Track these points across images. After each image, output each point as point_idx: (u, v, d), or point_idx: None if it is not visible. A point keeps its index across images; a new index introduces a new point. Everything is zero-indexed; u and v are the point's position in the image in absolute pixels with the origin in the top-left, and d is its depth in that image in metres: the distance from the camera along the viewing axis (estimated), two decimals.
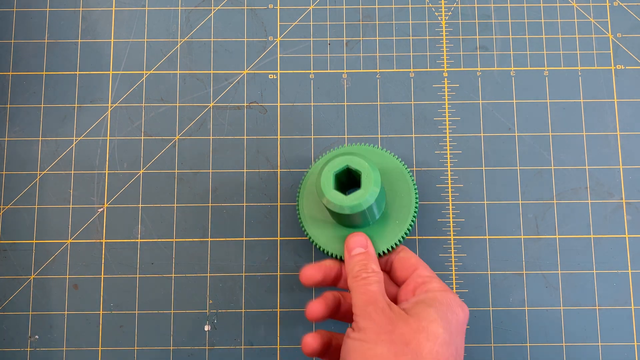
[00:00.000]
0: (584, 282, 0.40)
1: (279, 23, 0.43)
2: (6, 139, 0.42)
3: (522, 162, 0.41)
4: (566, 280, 0.40)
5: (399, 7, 0.43)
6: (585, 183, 0.41)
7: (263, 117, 0.42)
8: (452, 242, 0.40)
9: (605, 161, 0.41)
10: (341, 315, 0.35)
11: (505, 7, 0.43)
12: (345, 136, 0.41)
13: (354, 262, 0.33)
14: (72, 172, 0.41)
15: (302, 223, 0.37)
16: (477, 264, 0.40)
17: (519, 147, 0.41)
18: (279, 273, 0.40)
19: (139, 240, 0.40)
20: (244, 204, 0.41)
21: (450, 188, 0.41)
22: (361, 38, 0.43)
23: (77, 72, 0.42)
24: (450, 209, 0.41)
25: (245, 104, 0.42)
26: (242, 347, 0.39)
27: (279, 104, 0.42)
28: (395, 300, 0.34)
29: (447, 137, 0.42)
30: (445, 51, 0.43)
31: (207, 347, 0.39)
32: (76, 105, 0.42)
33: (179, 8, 0.43)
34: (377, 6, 0.43)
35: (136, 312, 0.40)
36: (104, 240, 0.41)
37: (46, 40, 0.43)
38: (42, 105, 0.42)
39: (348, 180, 0.35)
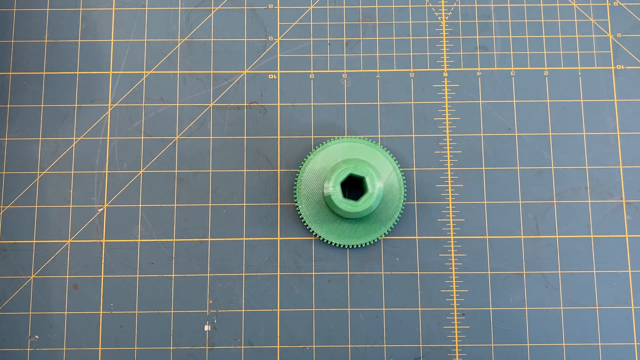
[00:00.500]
0: (584, 282, 0.40)
1: (279, 23, 0.43)
2: (6, 139, 0.42)
3: (522, 162, 0.41)
4: (566, 280, 0.40)
5: (399, 7, 0.43)
6: (585, 183, 0.41)
7: (263, 117, 0.42)
8: (452, 242, 0.40)
9: (605, 161, 0.41)
10: None
11: (505, 7, 0.43)
12: (345, 136, 0.41)
13: None
14: (72, 172, 0.41)
15: (305, 220, 0.40)
16: (477, 264, 0.40)
17: (519, 147, 0.41)
18: (279, 273, 0.40)
19: (139, 240, 0.40)
20: (244, 204, 0.41)
21: (450, 188, 0.41)
22: (361, 38, 0.43)
23: (77, 72, 0.42)
24: (450, 209, 0.41)
25: (245, 104, 0.42)
26: (242, 347, 0.39)
27: (279, 104, 0.42)
28: None
29: (447, 137, 0.42)
30: (445, 51, 0.43)
31: (207, 347, 0.39)
32: (76, 105, 0.42)
33: (179, 8, 0.43)
34: (377, 6, 0.43)
35: (136, 312, 0.40)
36: (104, 240, 0.41)
37: (46, 40, 0.43)
38: (42, 105, 0.42)
39: (348, 180, 0.39)
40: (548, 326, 0.39)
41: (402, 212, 0.40)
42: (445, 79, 0.42)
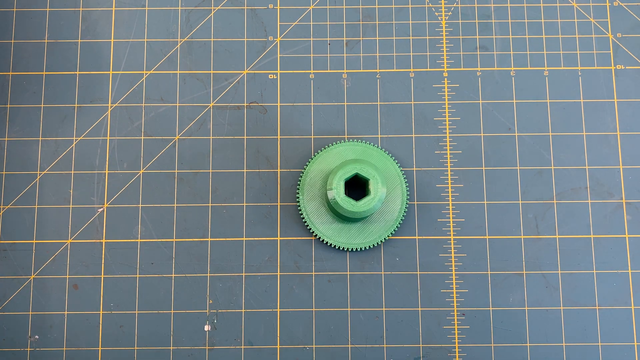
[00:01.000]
0: (584, 282, 0.40)
1: (279, 23, 0.43)
2: (6, 139, 0.42)
3: (522, 162, 0.41)
4: (566, 280, 0.40)
5: (399, 7, 0.43)
6: (585, 183, 0.41)
7: (263, 117, 0.42)
8: (452, 242, 0.40)
9: (605, 161, 0.41)
10: None
11: (505, 7, 0.43)
12: (345, 136, 0.41)
13: None
14: (72, 172, 0.41)
15: (305, 219, 0.40)
16: (477, 264, 0.40)
17: (519, 147, 0.41)
18: (279, 273, 0.40)
19: (139, 240, 0.40)
20: (244, 204, 0.41)
21: (450, 188, 0.41)
22: (361, 38, 0.43)
23: (77, 72, 0.42)
24: (450, 209, 0.41)
25: (245, 104, 0.42)
26: (242, 347, 0.39)
27: (279, 104, 0.42)
28: None
29: (447, 137, 0.42)
30: (445, 51, 0.43)
31: (207, 347, 0.39)
32: (76, 105, 0.42)
33: (179, 8, 0.43)
34: (377, 6, 0.43)
35: (136, 312, 0.40)
36: (104, 240, 0.41)
37: (46, 40, 0.43)
38: (42, 105, 0.42)
39: (351, 180, 0.39)
40: (548, 326, 0.39)
41: (402, 220, 0.40)
42: (445, 79, 0.42)
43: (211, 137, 0.42)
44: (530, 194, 0.41)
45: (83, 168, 0.41)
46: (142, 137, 0.42)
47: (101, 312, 0.40)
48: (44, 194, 0.41)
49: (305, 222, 0.40)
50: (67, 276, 0.40)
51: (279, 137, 0.42)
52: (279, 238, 0.40)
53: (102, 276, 0.40)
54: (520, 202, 0.41)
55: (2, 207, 0.41)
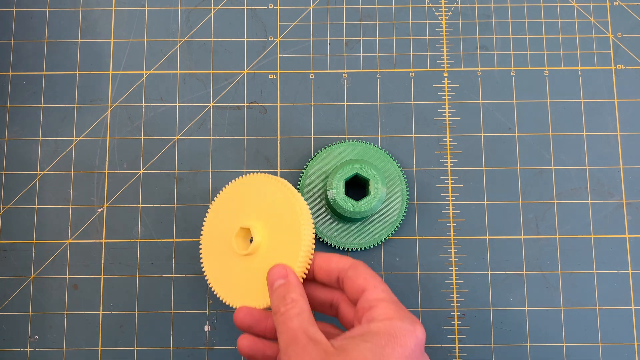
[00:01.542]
0: (584, 282, 0.40)
1: (279, 23, 0.43)
2: (6, 139, 0.42)
3: (522, 162, 0.41)
4: (566, 280, 0.40)
5: (399, 7, 0.43)
6: (585, 183, 0.41)
7: (263, 117, 0.42)
8: (452, 242, 0.40)
9: (605, 161, 0.41)
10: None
11: (505, 7, 0.43)
12: (345, 136, 0.41)
13: (274, 297, 0.30)
14: (72, 172, 0.41)
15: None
16: (477, 264, 0.40)
17: (519, 147, 0.41)
18: None
19: (139, 240, 0.40)
20: None
21: (450, 188, 0.41)
22: (361, 38, 0.43)
23: (77, 72, 0.42)
24: (450, 209, 0.41)
25: (245, 104, 0.42)
26: None
27: (279, 104, 0.42)
28: (351, 325, 0.30)
29: (447, 137, 0.42)
30: (445, 51, 0.43)
31: (207, 347, 0.39)
32: (76, 105, 0.42)
33: (179, 8, 0.43)
34: (377, 6, 0.43)
35: (136, 312, 0.40)
36: (103, 240, 0.40)
37: (46, 40, 0.43)
38: (42, 105, 0.42)
39: (351, 180, 0.39)
40: (548, 326, 0.39)
41: (402, 220, 0.40)
42: (445, 79, 0.42)
43: (211, 137, 0.42)
44: (530, 194, 0.41)
45: (83, 168, 0.41)
46: (142, 137, 0.42)
47: (101, 312, 0.40)
48: (43, 194, 0.41)
49: None
50: (67, 276, 0.40)
51: (279, 137, 0.42)
52: None
53: (102, 276, 0.40)
54: (520, 202, 0.41)
55: (2, 207, 0.41)
